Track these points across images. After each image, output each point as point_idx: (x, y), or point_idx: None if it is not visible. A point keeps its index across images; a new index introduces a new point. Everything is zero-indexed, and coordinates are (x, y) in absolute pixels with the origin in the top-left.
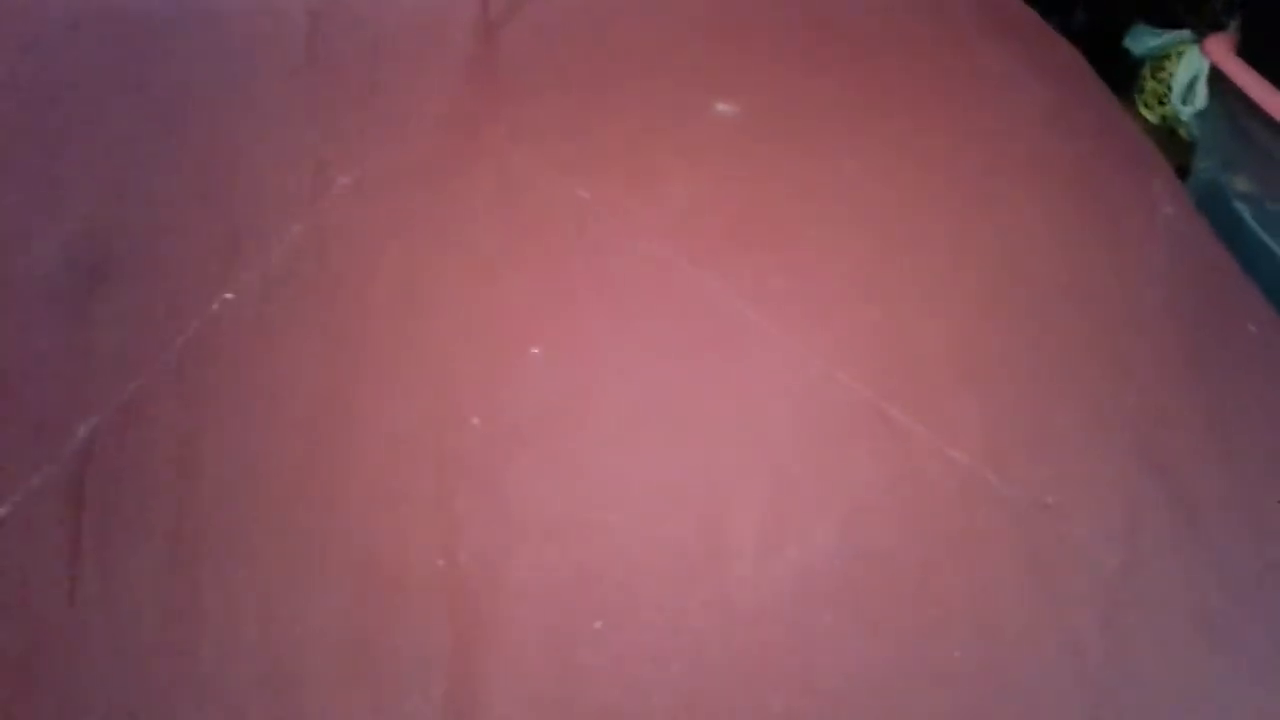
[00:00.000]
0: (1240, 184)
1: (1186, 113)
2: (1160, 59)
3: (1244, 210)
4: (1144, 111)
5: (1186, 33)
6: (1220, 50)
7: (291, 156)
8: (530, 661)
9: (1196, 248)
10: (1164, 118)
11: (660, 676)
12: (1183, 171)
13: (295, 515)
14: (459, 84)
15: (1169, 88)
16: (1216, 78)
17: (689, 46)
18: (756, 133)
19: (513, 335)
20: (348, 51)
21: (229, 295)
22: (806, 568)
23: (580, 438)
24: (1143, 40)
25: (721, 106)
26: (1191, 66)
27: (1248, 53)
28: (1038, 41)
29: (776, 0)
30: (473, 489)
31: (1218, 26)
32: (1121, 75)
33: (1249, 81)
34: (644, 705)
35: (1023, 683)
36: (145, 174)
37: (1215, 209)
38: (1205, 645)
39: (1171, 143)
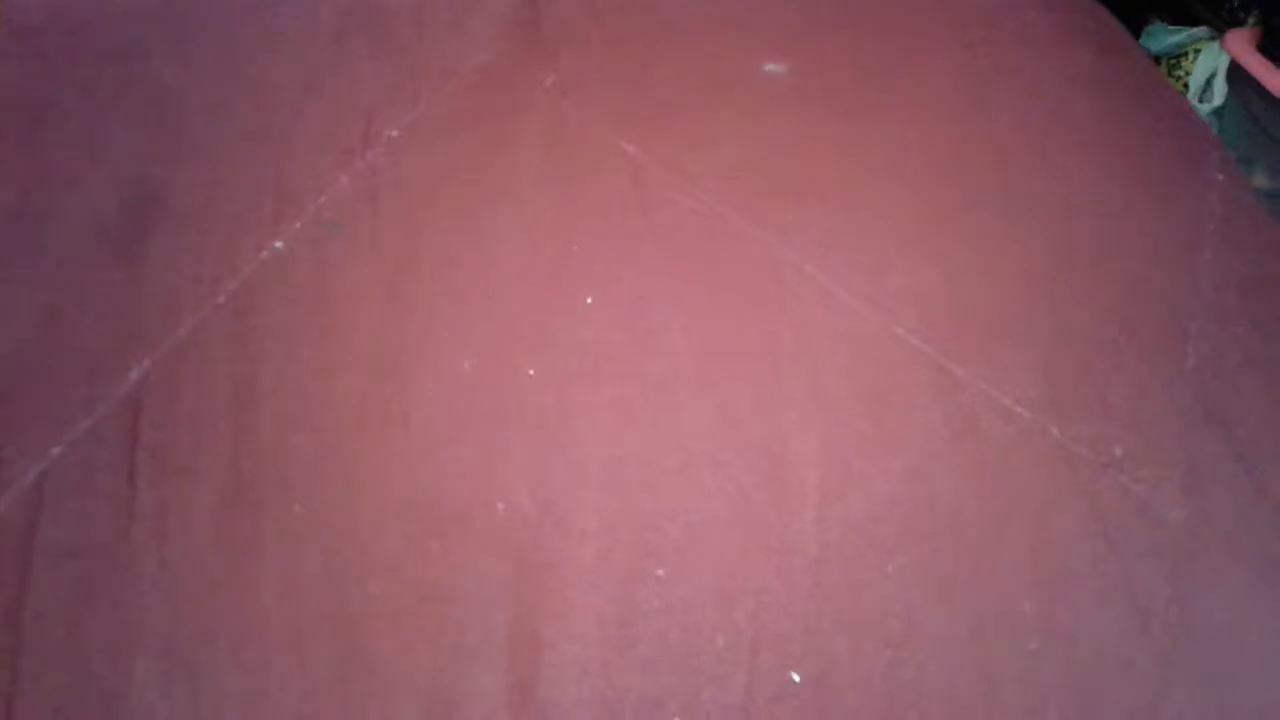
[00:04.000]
0: (1258, 180)
1: (1204, 110)
2: (1176, 56)
3: (1261, 206)
4: None
5: (1203, 30)
6: (1240, 45)
7: (339, 108)
8: (592, 603)
9: (1247, 213)
10: None
11: (722, 620)
12: None
13: (354, 455)
14: (504, 38)
15: (1186, 85)
16: (1234, 74)
17: (735, 8)
18: (806, 92)
19: (566, 285)
20: (392, 6)
21: (279, 244)
22: (869, 516)
23: (637, 385)
24: (1159, 38)
25: (770, 67)
26: (1209, 63)
27: (1268, 47)
28: (1083, 10)
29: None
30: (531, 436)
31: (1235, 23)
32: None
33: (1269, 76)
34: (706, 647)
35: (1092, 636)
36: (194, 123)
37: None
38: (1272, 594)
39: None
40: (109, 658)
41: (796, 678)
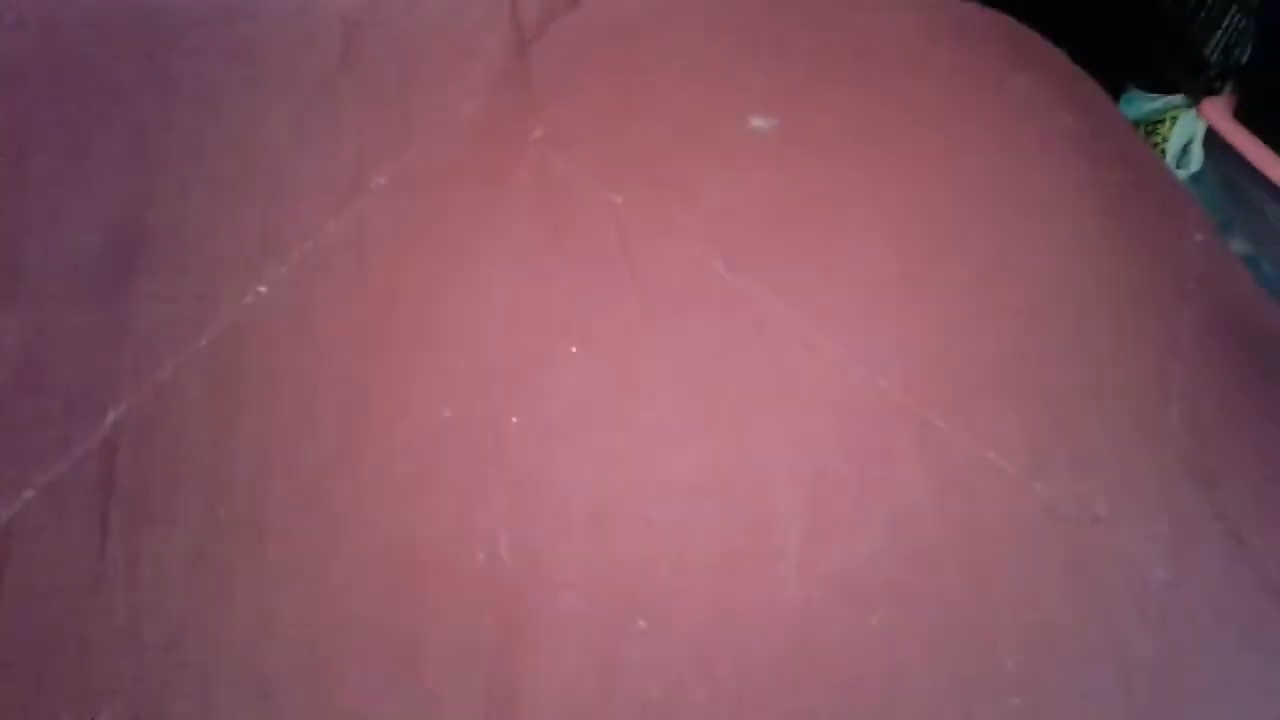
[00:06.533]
0: (1237, 246)
1: (1182, 176)
2: (1154, 123)
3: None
4: None
5: (1180, 97)
6: (1217, 113)
7: (326, 155)
8: (571, 656)
9: (1227, 273)
10: None
11: (704, 674)
12: None
13: (331, 502)
14: (493, 90)
15: (1163, 152)
16: (1212, 141)
17: (721, 63)
18: (792, 147)
19: (550, 334)
20: (382, 57)
21: (262, 288)
22: (852, 570)
23: (621, 434)
24: (1136, 105)
25: (756, 122)
26: (1186, 130)
27: (1244, 116)
28: (1063, 73)
29: (807, 21)
30: (513, 485)
31: (1212, 92)
32: None
33: (1246, 144)
34: (686, 702)
35: (1074, 693)
36: (177, 167)
37: None
38: (1255, 656)
39: None
40: (75, 706)
41: None
